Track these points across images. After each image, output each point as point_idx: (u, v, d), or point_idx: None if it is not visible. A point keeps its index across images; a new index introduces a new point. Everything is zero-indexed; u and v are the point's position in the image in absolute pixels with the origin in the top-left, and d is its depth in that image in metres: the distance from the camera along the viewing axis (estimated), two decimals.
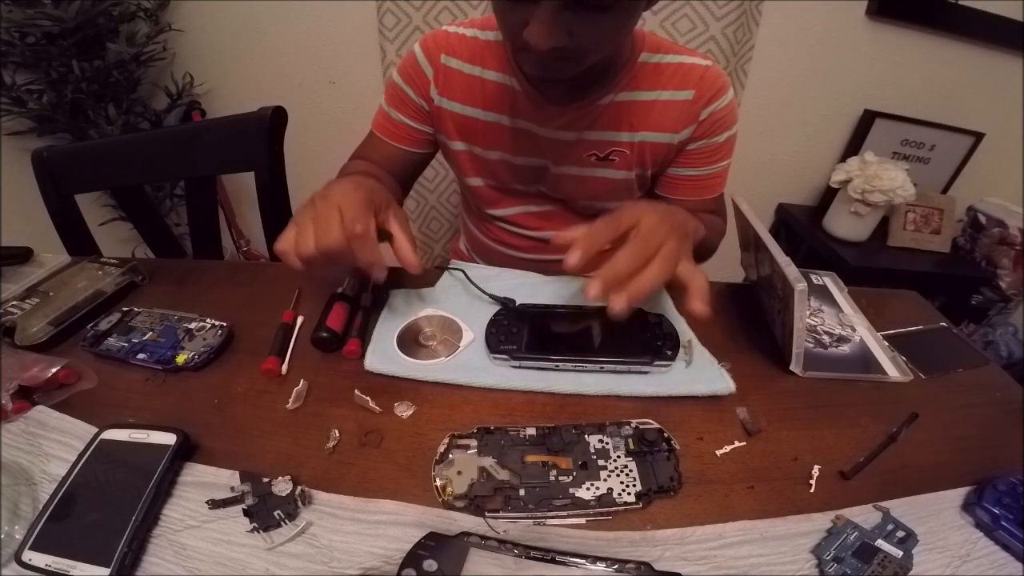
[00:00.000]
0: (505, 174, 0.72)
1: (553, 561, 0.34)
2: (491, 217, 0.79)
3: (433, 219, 1.55)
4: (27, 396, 0.45)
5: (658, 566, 0.34)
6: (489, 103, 0.66)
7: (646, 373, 0.48)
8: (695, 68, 0.63)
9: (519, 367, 0.48)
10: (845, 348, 0.54)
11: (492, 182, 0.74)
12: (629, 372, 0.48)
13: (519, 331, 0.50)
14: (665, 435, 0.42)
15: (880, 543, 0.35)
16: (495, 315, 0.53)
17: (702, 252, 0.67)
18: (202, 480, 0.39)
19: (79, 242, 0.82)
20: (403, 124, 0.71)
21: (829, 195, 1.45)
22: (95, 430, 0.41)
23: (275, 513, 0.35)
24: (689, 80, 0.63)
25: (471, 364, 0.49)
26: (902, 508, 0.38)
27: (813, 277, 0.66)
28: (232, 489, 0.37)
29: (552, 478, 0.39)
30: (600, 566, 0.33)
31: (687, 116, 0.64)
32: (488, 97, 0.66)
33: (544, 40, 0.45)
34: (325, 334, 0.50)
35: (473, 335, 0.53)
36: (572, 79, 0.56)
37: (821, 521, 0.37)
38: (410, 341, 0.52)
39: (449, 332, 0.53)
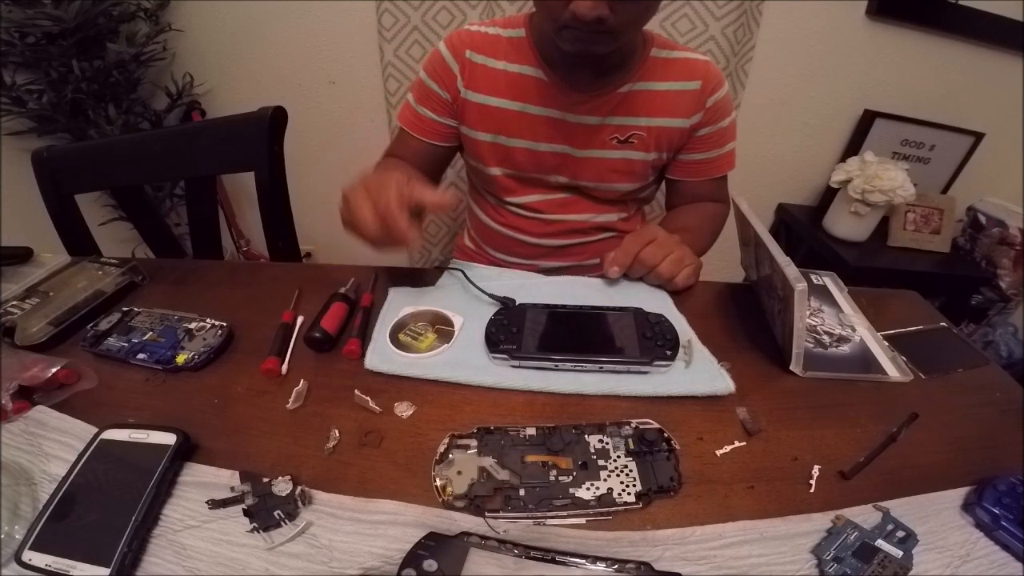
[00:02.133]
0: (527, 162, 0.76)
1: (553, 561, 0.34)
2: (508, 204, 0.82)
3: (432, 222, 1.55)
4: (27, 396, 0.45)
5: (658, 566, 0.34)
6: (515, 93, 0.71)
7: (646, 373, 0.48)
8: (698, 63, 0.71)
9: (519, 367, 0.48)
10: (845, 348, 0.54)
11: (513, 171, 0.78)
12: (629, 372, 0.48)
13: (519, 331, 0.50)
14: (665, 435, 0.42)
15: (880, 543, 0.35)
16: (495, 315, 0.53)
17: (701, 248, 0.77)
18: (202, 480, 0.39)
19: (79, 242, 0.82)
20: (428, 119, 0.75)
21: (829, 195, 1.45)
22: (95, 430, 0.41)
23: (275, 513, 0.35)
24: (695, 73, 0.71)
25: (471, 363, 0.49)
26: (902, 508, 0.38)
27: (813, 277, 0.66)
28: (232, 489, 0.37)
29: (552, 478, 0.39)
30: (600, 566, 0.33)
31: (696, 103, 0.71)
32: (514, 88, 0.71)
33: (591, 10, 0.52)
34: (317, 334, 0.50)
35: (463, 319, 0.54)
36: (597, 67, 0.67)
37: (821, 521, 0.37)
38: (405, 337, 0.52)
39: (441, 323, 0.54)
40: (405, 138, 0.78)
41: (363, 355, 0.50)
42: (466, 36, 0.72)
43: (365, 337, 0.52)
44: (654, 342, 0.49)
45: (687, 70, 0.70)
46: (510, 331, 0.50)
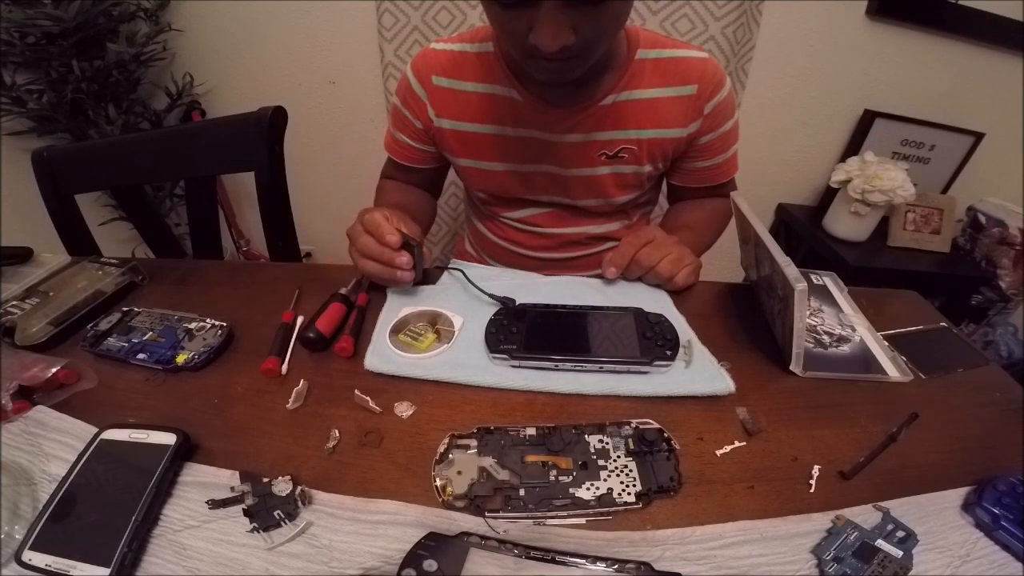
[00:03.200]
0: (512, 185, 0.73)
1: (553, 561, 0.34)
2: (502, 218, 0.80)
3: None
4: (27, 396, 0.45)
5: (658, 566, 0.34)
6: (488, 117, 0.67)
7: (646, 373, 0.48)
8: (694, 62, 0.64)
9: (519, 367, 0.48)
10: (845, 348, 0.54)
11: (498, 193, 0.76)
12: (629, 372, 0.48)
13: (519, 331, 0.50)
14: (665, 435, 0.42)
15: (880, 543, 0.35)
16: (495, 315, 0.53)
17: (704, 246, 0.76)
18: (202, 480, 0.39)
19: (79, 242, 0.82)
20: (408, 145, 0.74)
21: (829, 195, 1.45)
22: (95, 430, 0.41)
23: (275, 513, 0.35)
24: (691, 75, 0.64)
25: (470, 362, 0.49)
26: (902, 508, 0.38)
27: (813, 277, 0.66)
28: (232, 489, 0.37)
29: (552, 478, 0.39)
30: (600, 566, 0.33)
31: (693, 110, 0.66)
32: (486, 111, 0.67)
33: (552, 41, 0.46)
34: (312, 335, 0.50)
35: (463, 319, 0.54)
36: (574, 81, 0.58)
37: (821, 521, 0.37)
38: (405, 337, 0.52)
39: (441, 323, 0.54)
40: (393, 163, 0.78)
41: (355, 353, 0.50)
42: (431, 58, 0.67)
43: (359, 335, 0.52)
44: (654, 342, 0.49)
45: (681, 72, 0.64)
46: (510, 331, 0.50)
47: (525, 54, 0.51)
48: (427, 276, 0.60)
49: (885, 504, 0.38)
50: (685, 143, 0.69)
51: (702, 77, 0.64)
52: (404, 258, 0.53)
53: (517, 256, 0.82)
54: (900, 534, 0.36)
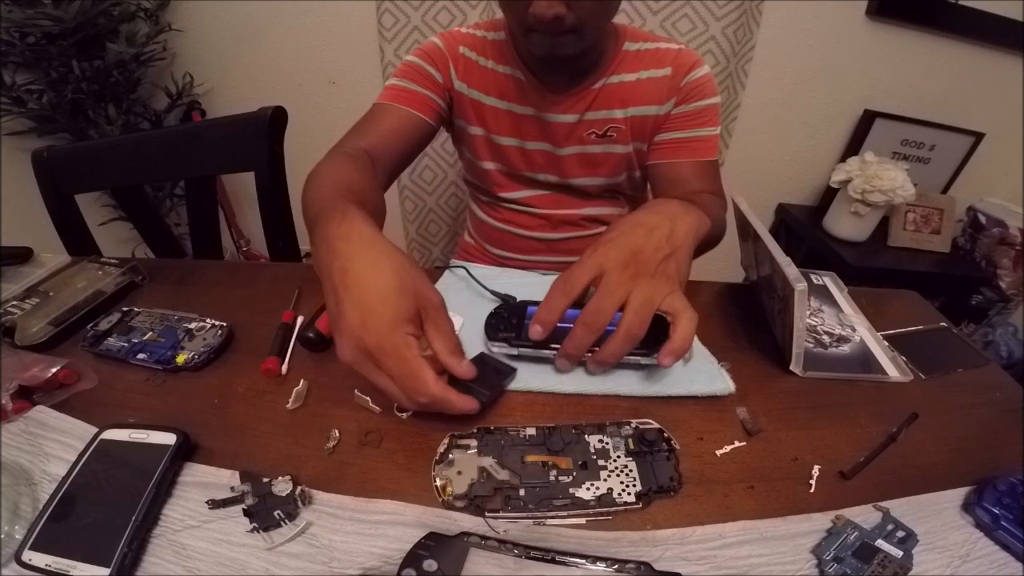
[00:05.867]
0: (516, 159, 0.78)
1: (553, 561, 0.34)
2: (502, 200, 0.84)
3: (432, 222, 1.55)
4: (27, 396, 0.45)
5: (658, 566, 0.34)
6: (500, 92, 0.74)
7: (645, 367, 0.48)
8: (669, 51, 0.73)
9: (518, 355, 0.48)
10: (845, 348, 0.54)
11: (504, 167, 0.80)
12: (628, 366, 0.48)
13: (519, 323, 0.50)
14: (665, 435, 0.42)
15: (880, 543, 0.35)
16: (495, 309, 0.53)
17: (707, 243, 0.60)
18: (202, 480, 0.39)
19: (79, 242, 0.82)
20: (419, 93, 0.72)
21: (829, 195, 1.45)
22: (95, 430, 0.41)
23: (275, 513, 0.35)
24: (665, 60, 0.72)
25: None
26: (902, 508, 0.38)
27: (813, 277, 0.66)
28: (232, 489, 0.37)
29: (552, 478, 0.39)
30: (600, 566, 0.33)
31: (669, 89, 0.72)
32: (500, 87, 0.74)
33: (548, 8, 0.53)
34: (312, 335, 0.50)
35: (463, 319, 0.54)
36: (571, 65, 0.68)
37: (821, 521, 0.37)
38: None
39: None
40: (384, 114, 0.69)
41: None
42: (458, 35, 0.75)
43: None
44: (654, 336, 0.48)
45: (657, 59, 0.72)
46: (510, 323, 0.50)
47: (526, 29, 0.58)
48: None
49: (885, 504, 0.38)
50: (664, 120, 0.74)
51: (676, 61, 0.71)
52: (471, 404, 0.40)
53: (516, 238, 0.86)
54: (900, 534, 0.36)
